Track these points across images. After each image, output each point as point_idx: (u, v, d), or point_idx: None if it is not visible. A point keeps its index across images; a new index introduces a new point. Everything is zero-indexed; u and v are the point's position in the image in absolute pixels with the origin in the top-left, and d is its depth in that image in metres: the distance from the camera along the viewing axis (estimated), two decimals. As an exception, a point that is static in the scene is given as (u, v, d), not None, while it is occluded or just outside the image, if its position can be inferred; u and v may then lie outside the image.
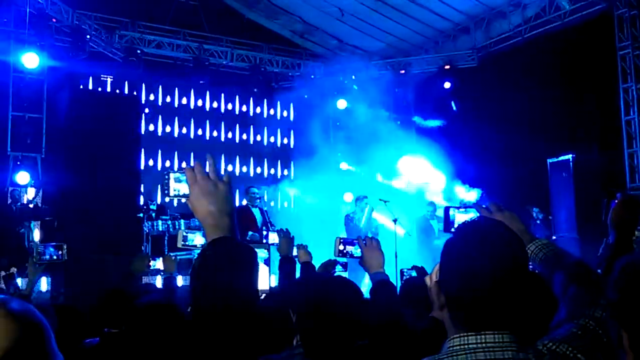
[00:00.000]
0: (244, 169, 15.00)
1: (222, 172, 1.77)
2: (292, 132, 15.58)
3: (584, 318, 1.58)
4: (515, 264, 1.46)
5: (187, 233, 5.53)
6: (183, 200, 1.80)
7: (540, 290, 1.99)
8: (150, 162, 13.82)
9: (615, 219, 2.77)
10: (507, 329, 1.43)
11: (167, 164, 13.99)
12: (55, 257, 5.25)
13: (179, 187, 1.85)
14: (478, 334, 1.42)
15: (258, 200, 10.37)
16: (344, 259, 4.63)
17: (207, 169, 1.75)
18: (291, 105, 15.52)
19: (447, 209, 2.28)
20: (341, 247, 3.45)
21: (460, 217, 2.22)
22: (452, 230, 2.20)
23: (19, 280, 6.36)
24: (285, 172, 15.40)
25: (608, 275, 1.34)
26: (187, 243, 5.79)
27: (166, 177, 1.85)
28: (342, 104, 14.33)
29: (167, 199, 10.64)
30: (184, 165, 13.49)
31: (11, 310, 1.34)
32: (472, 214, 2.14)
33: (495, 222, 1.61)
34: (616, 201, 2.78)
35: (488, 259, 1.43)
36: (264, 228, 9.49)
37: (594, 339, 1.54)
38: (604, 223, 2.78)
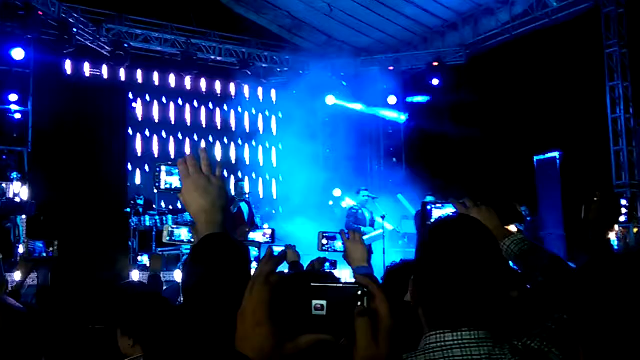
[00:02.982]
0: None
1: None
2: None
3: (558, 312, 1.59)
4: (487, 260, 1.46)
5: (173, 228, 5.47)
6: (174, 193, 1.73)
7: (514, 286, 2.00)
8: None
9: (592, 218, 2.78)
10: (483, 325, 1.43)
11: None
12: (45, 254, 5.19)
13: (170, 180, 1.78)
14: (455, 332, 1.42)
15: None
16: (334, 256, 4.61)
17: (201, 163, 1.68)
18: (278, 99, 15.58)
19: (424, 204, 2.27)
20: (324, 242, 3.40)
21: (437, 212, 2.22)
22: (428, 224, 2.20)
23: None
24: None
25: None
26: (173, 238, 5.73)
27: (157, 169, 1.78)
28: (330, 99, 14.31)
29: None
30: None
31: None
32: (449, 209, 2.15)
33: (468, 219, 1.61)
34: (595, 200, 2.80)
35: (460, 256, 1.44)
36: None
37: (568, 332, 1.55)
38: (583, 222, 2.78)
